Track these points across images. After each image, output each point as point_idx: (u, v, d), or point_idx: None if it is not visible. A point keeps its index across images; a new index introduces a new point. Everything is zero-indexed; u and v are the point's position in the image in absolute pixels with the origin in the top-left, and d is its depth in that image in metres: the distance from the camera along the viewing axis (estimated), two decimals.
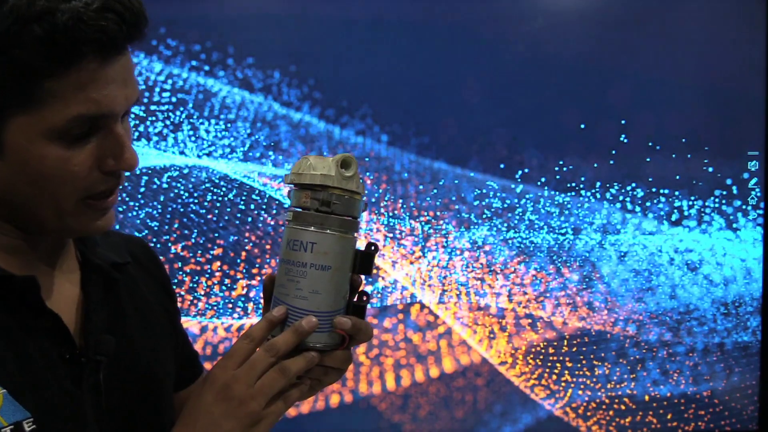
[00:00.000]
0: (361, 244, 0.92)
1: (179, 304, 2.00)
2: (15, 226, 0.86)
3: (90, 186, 0.83)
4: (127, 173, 0.88)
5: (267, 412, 0.87)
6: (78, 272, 0.94)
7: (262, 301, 0.97)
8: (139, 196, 1.99)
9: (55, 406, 0.83)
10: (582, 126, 2.07)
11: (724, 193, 2.11)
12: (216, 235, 2.01)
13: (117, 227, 1.96)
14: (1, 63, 0.76)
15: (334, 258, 0.89)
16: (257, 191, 2.02)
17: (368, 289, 2.06)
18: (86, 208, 0.84)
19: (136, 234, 1.97)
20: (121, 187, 0.88)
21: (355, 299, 0.92)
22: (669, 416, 2.15)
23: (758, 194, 2.11)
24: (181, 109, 1.99)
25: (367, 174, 2.03)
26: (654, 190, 2.10)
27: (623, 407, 2.14)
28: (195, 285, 2.01)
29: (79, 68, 0.77)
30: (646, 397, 2.14)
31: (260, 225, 2.02)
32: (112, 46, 0.78)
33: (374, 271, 0.94)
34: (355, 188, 0.90)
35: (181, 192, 2.00)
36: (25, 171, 0.80)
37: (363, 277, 0.93)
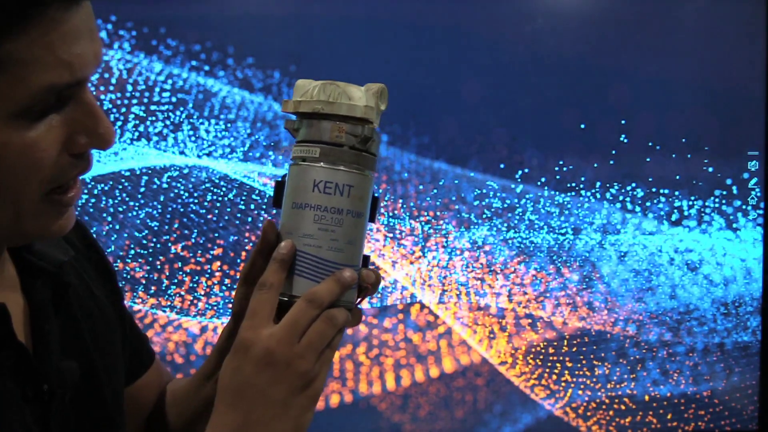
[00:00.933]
0: None
1: (179, 304, 2.01)
2: None
3: (58, 174, 0.67)
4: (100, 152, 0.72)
5: (319, 368, 0.75)
6: (17, 279, 0.77)
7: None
8: (139, 196, 1.99)
9: None
10: (582, 126, 2.07)
11: (724, 193, 2.10)
12: (216, 235, 2.01)
13: (117, 227, 1.96)
14: None
15: (365, 203, 0.79)
16: (257, 191, 2.02)
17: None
18: (48, 206, 0.68)
19: (136, 234, 1.97)
20: (86, 175, 0.71)
21: None
22: (669, 416, 2.15)
23: (758, 194, 2.11)
24: (181, 109, 1.99)
25: None
26: (654, 190, 2.10)
27: (623, 407, 2.14)
28: (195, 285, 2.01)
29: (42, 19, 0.61)
30: (646, 397, 2.14)
31: (260, 225, 2.02)
32: None
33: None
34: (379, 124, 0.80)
35: (181, 192, 2.00)
36: None
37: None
